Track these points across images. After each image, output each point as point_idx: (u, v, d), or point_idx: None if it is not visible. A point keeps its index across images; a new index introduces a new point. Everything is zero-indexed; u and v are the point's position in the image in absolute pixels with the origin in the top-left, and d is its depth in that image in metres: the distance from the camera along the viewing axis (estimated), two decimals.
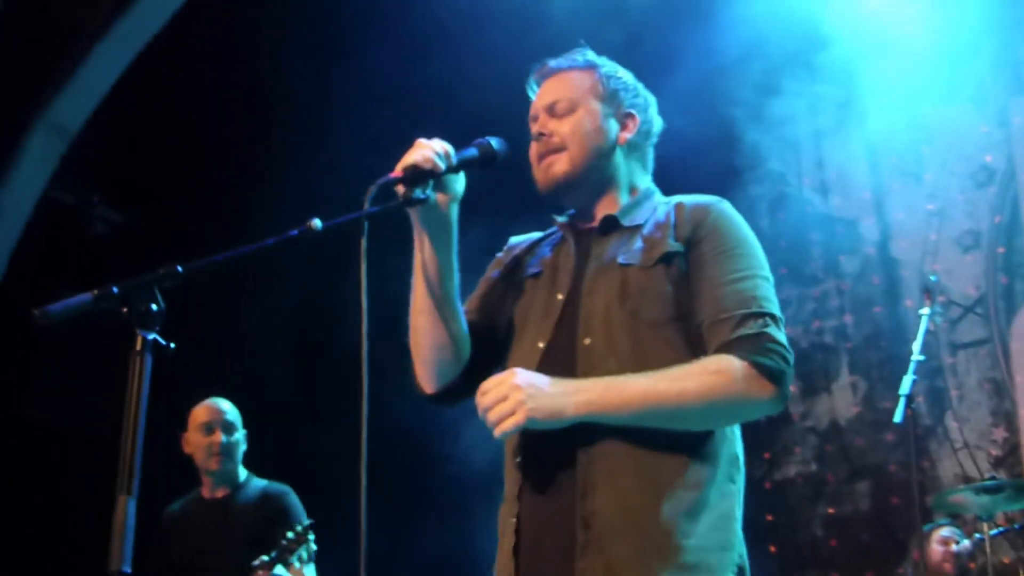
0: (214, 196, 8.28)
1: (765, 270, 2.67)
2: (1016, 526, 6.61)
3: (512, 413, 2.41)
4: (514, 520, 2.60)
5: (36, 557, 7.47)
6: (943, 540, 6.48)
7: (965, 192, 7.88)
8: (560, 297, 2.73)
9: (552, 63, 2.92)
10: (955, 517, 7.08)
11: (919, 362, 5.23)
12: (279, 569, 4.89)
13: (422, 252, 2.67)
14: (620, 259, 2.67)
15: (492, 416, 2.43)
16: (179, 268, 2.22)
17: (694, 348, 2.58)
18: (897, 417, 5.03)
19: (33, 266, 7.84)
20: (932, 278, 5.75)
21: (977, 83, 7.92)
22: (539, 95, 2.89)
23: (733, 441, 2.64)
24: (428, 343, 2.73)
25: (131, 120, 8.18)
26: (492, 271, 2.95)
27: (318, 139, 8.81)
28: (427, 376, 2.78)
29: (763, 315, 2.56)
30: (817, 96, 8.49)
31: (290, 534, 4.96)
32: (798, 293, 8.41)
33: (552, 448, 2.56)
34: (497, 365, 2.74)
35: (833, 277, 8.33)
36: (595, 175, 2.81)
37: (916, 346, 5.30)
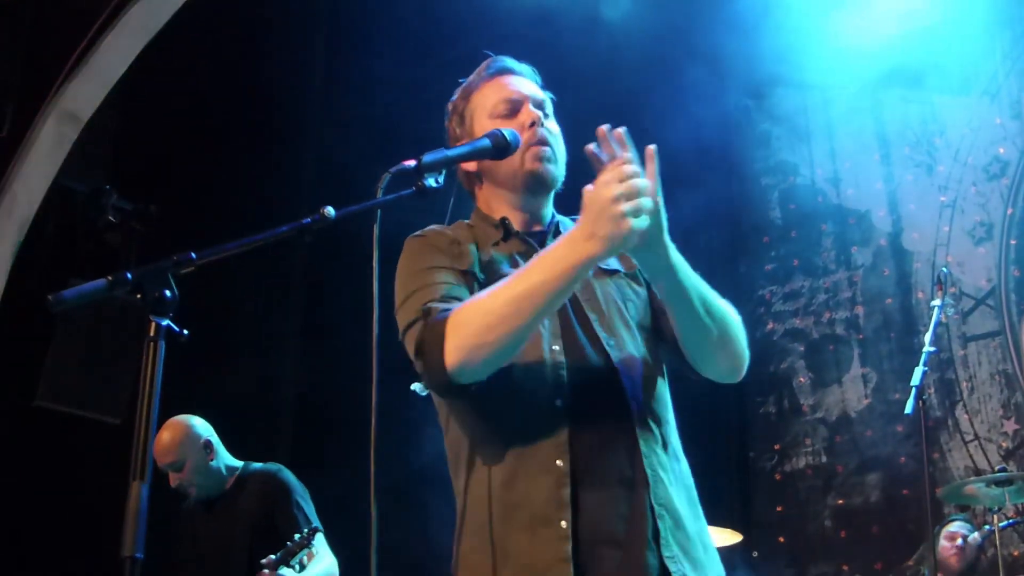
0: (226, 184, 8.28)
1: None
2: None
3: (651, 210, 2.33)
4: (568, 529, 2.47)
5: (50, 543, 7.48)
6: (951, 536, 6.48)
7: (978, 184, 7.86)
8: None
9: (525, 66, 2.90)
10: (965, 509, 7.08)
11: (930, 354, 5.22)
12: (284, 571, 4.90)
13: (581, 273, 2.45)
14: (602, 264, 2.60)
15: (634, 202, 2.28)
16: (193, 255, 2.22)
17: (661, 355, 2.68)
18: (908, 409, 5.01)
19: (44, 254, 7.85)
20: (944, 270, 5.72)
21: (991, 75, 7.90)
22: (521, 83, 2.84)
23: None
24: (517, 341, 2.47)
25: (143, 108, 8.19)
26: (443, 259, 2.68)
27: (331, 127, 8.82)
28: (484, 365, 2.46)
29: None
30: (830, 87, 8.48)
31: (296, 536, 4.97)
32: (809, 284, 8.40)
33: (609, 442, 2.53)
34: None
35: (845, 268, 8.32)
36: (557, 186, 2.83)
37: (927, 338, 5.29)
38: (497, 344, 2.40)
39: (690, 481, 2.63)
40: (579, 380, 2.53)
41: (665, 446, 2.58)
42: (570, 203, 2.74)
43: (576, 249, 2.34)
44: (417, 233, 2.75)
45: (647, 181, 2.33)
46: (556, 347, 2.58)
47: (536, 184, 2.76)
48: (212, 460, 5.37)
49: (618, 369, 2.55)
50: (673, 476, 2.56)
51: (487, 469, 2.56)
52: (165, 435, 5.28)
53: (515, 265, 2.66)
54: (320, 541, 5.11)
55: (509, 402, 2.54)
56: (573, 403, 2.52)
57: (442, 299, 2.54)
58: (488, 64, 2.88)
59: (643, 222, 2.29)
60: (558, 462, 2.49)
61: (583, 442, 2.53)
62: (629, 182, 2.29)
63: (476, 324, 2.40)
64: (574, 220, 2.66)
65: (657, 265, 2.46)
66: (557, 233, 2.74)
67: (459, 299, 2.53)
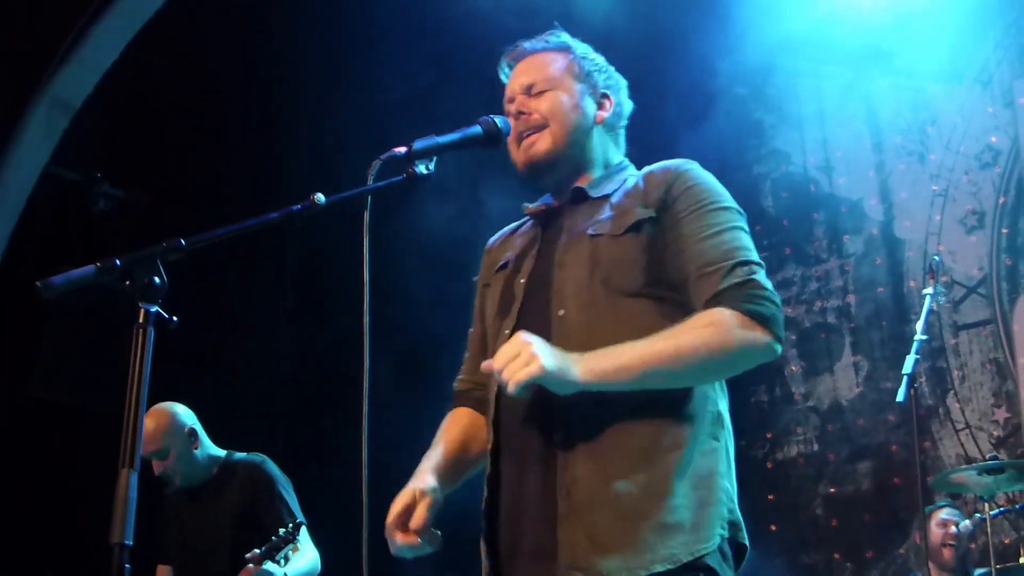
0: (217, 172, 8.27)
1: (741, 221, 2.68)
2: (1017, 507, 6.61)
3: (526, 365, 2.36)
4: (484, 508, 2.65)
5: (40, 531, 7.48)
6: (942, 523, 6.49)
7: (970, 173, 7.86)
8: (522, 281, 2.74)
9: (526, 45, 2.93)
10: (956, 497, 7.09)
11: (922, 342, 5.22)
12: (269, 565, 4.89)
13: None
14: (590, 230, 2.68)
15: (507, 372, 2.38)
16: (182, 241, 2.22)
17: (669, 315, 2.57)
18: (900, 397, 5.02)
19: (35, 243, 7.84)
20: (936, 258, 5.73)
21: (983, 64, 7.90)
22: (514, 76, 2.90)
23: (715, 400, 2.65)
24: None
25: (134, 96, 8.16)
26: (477, 297, 2.99)
27: (322, 115, 8.81)
28: None
29: (747, 263, 2.58)
30: (822, 75, 8.47)
31: (281, 531, 4.96)
32: (801, 272, 8.40)
33: (529, 425, 2.57)
34: None
35: (837, 257, 8.32)
36: (574, 153, 2.82)
37: (919, 326, 5.29)
38: None
39: (667, 453, 2.51)
40: None
41: (613, 415, 2.51)
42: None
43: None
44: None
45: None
46: (507, 331, 2.67)
47: (527, 172, 2.81)
48: (196, 448, 5.37)
49: (553, 342, 2.52)
50: (616, 448, 2.51)
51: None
52: (149, 422, 5.26)
53: (516, 253, 2.85)
54: (303, 535, 5.11)
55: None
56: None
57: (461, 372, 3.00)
58: (504, 58, 2.96)
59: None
60: (489, 442, 2.67)
61: (508, 419, 2.63)
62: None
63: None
64: (643, 173, 2.78)
65: (575, 389, 2.47)
66: (577, 200, 2.79)
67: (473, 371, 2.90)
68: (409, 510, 2.57)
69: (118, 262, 2.13)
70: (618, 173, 2.84)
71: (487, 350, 2.76)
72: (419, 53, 7.88)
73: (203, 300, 7.13)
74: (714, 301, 2.53)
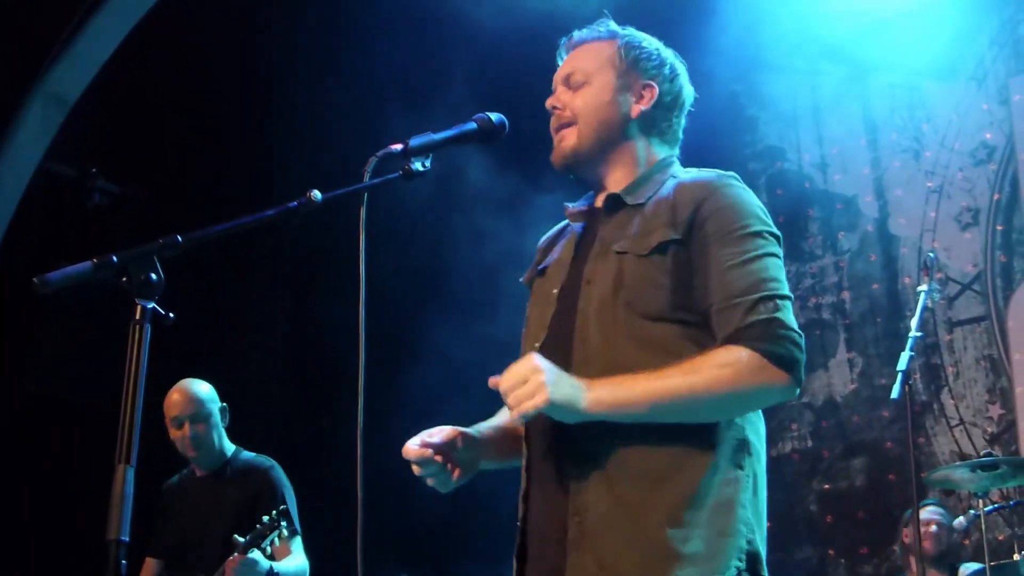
0: (213, 168, 8.26)
1: (773, 247, 2.58)
2: (1011, 503, 6.63)
3: (532, 396, 2.35)
4: (519, 523, 2.65)
5: (37, 527, 7.48)
6: (924, 522, 6.48)
7: (965, 169, 7.87)
8: (554, 292, 2.71)
9: (576, 34, 2.87)
10: (950, 494, 7.10)
11: (916, 339, 5.22)
12: (254, 553, 4.89)
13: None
14: (616, 247, 2.60)
15: (512, 399, 2.37)
16: (179, 238, 2.22)
17: (695, 339, 2.51)
18: (895, 393, 5.02)
19: (31, 238, 7.83)
20: (930, 255, 5.72)
21: (978, 61, 7.90)
22: (560, 67, 2.86)
23: (742, 427, 2.54)
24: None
25: (129, 91, 8.15)
26: (527, 280, 2.96)
27: (319, 111, 8.80)
28: None
29: (772, 298, 2.48)
30: (817, 72, 8.47)
31: (265, 518, 4.96)
32: (796, 269, 8.40)
33: (553, 445, 2.56)
34: None
35: (831, 253, 8.33)
36: (606, 149, 2.75)
37: (914, 323, 5.29)
38: None
39: (685, 480, 2.46)
40: None
41: (631, 441, 2.48)
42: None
43: None
44: None
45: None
46: (537, 344, 2.65)
47: (560, 168, 2.80)
48: (224, 427, 5.43)
49: (575, 362, 2.53)
50: (629, 475, 2.47)
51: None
52: (191, 385, 5.38)
53: (553, 257, 2.84)
54: (296, 543, 5.11)
55: None
56: None
57: None
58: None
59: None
60: (523, 459, 2.66)
61: (536, 437, 2.62)
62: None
63: None
64: (678, 181, 2.70)
65: (583, 418, 2.46)
66: (613, 207, 2.71)
67: None
68: (441, 436, 2.64)
69: (115, 258, 2.13)
70: (659, 173, 2.74)
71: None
72: (416, 49, 7.88)
73: (198, 296, 7.12)
74: (735, 338, 2.45)
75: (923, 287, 5.46)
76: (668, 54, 2.87)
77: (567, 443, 2.52)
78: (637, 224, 2.62)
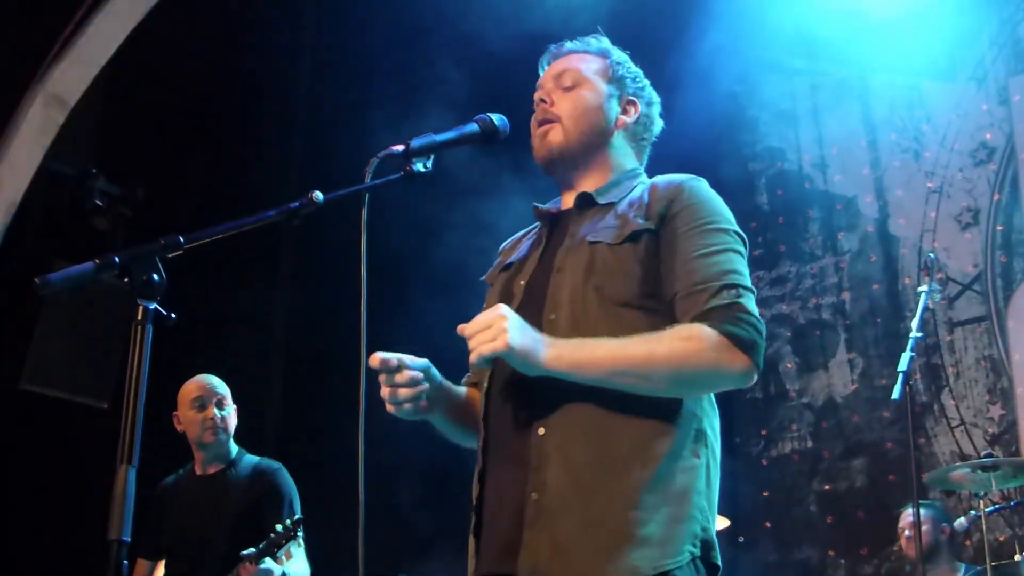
0: (213, 168, 8.27)
1: (738, 245, 2.67)
2: (1012, 504, 6.63)
3: (493, 340, 2.38)
4: (475, 502, 2.65)
5: (36, 526, 7.48)
6: (907, 525, 6.48)
7: (965, 170, 7.87)
8: (521, 283, 2.73)
9: (568, 44, 2.93)
10: (951, 495, 7.10)
11: (917, 339, 5.22)
12: (267, 562, 4.88)
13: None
14: (589, 237, 2.67)
15: (473, 341, 2.41)
16: (180, 238, 2.22)
17: (658, 328, 2.54)
18: (895, 394, 5.02)
19: (31, 238, 7.83)
20: (931, 255, 5.72)
21: (977, 61, 7.91)
22: (548, 70, 2.91)
23: (700, 418, 2.60)
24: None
25: (130, 91, 8.16)
26: (488, 282, 2.96)
27: (319, 112, 8.80)
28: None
29: (735, 287, 2.56)
30: (817, 72, 8.48)
31: (279, 527, 4.94)
32: (796, 269, 8.41)
33: (513, 421, 2.58)
34: None
35: (831, 254, 8.33)
36: (589, 152, 2.81)
37: (914, 323, 5.29)
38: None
39: (640, 465, 2.48)
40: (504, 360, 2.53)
41: (593, 423, 2.51)
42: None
43: None
44: None
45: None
46: None
47: (541, 162, 2.83)
48: (232, 425, 5.44)
49: None
50: (589, 457, 2.49)
51: None
52: (214, 377, 5.46)
53: (520, 255, 2.85)
54: (298, 548, 5.10)
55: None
56: (494, 382, 2.65)
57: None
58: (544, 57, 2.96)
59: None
60: (479, 440, 2.68)
61: (494, 419, 2.65)
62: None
63: None
64: (650, 184, 2.77)
65: (540, 371, 2.48)
66: (584, 205, 2.78)
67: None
68: (417, 364, 2.64)
69: (117, 259, 2.13)
70: (629, 180, 2.82)
71: None
72: (416, 51, 7.88)
73: (197, 294, 7.12)
74: (697, 319, 2.51)
75: (923, 287, 5.46)
76: (648, 83, 2.98)
77: (527, 420, 2.55)
78: (610, 219, 2.70)
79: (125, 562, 2.01)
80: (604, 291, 2.58)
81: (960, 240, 7.79)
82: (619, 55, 2.94)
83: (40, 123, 7.21)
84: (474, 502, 2.66)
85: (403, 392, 2.58)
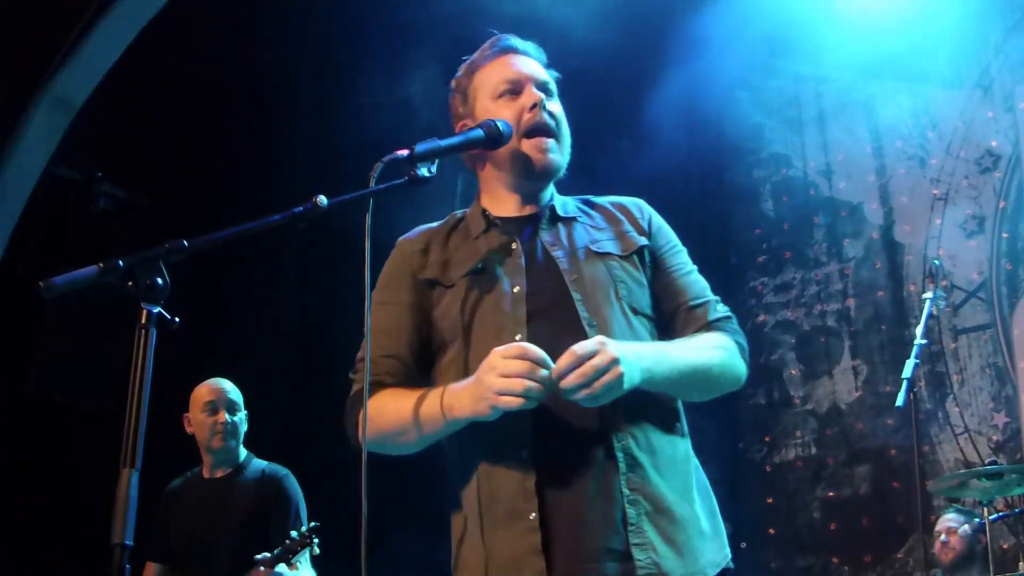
0: (218, 172, 8.27)
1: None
2: (1016, 511, 6.62)
3: (614, 385, 2.38)
4: (533, 516, 2.50)
5: (39, 530, 7.48)
6: (940, 531, 6.49)
7: (970, 177, 7.87)
8: (516, 289, 2.66)
9: (529, 45, 2.88)
10: (955, 502, 7.09)
11: (921, 346, 5.22)
12: (281, 568, 4.88)
13: (453, 413, 2.52)
14: (593, 247, 2.71)
15: (595, 388, 2.36)
16: (185, 243, 2.22)
17: (655, 336, 2.70)
18: (899, 401, 5.01)
19: (36, 242, 7.84)
20: (935, 263, 5.73)
21: (984, 68, 7.91)
22: (523, 63, 2.83)
23: (685, 422, 2.74)
24: (405, 448, 2.68)
25: (135, 96, 8.17)
26: (400, 293, 2.78)
27: (324, 116, 8.80)
28: (385, 451, 2.69)
29: (719, 300, 2.79)
30: (823, 79, 8.48)
31: (294, 534, 4.94)
32: (801, 276, 8.41)
33: (578, 432, 2.53)
34: (435, 374, 2.71)
35: (836, 261, 8.33)
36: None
37: (919, 330, 5.28)
38: (389, 446, 2.65)
39: (688, 466, 2.65)
40: None
41: (653, 428, 2.58)
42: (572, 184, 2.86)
43: (462, 404, 2.47)
44: (398, 240, 2.87)
45: (536, 383, 2.37)
46: (519, 336, 2.58)
47: (537, 173, 2.77)
48: (242, 430, 5.45)
49: None
50: (662, 460, 2.56)
51: (474, 466, 2.61)
52: (226, 381, 5.48)
53: (489, 258, 2.73)
54: (305, 556, 5.08)
55: None
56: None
57: (358, 368, 2.69)
58: (493, 42, 2.87)
59: (530, 404, 2.38)
60: (522, 452, 2.54)
61: (548, 430, 2.54)
62: (510, 381, 2.36)
63: (376, 425, 2.57)
64: (581, 201, 2.86)
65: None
66: (553, 218, 2.78)
67: (390, 356, 2.68)
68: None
69: (121, 263, 2.13)
70: (556, 195, 2.85)
71: (434, 347, 2.72)
72: (420, 55, 7.88)
73: (201, 298, 7.13)
74: (713, 328, 2.71)
75: (928, 294, 5.45)
76: None
77: (596, 429, 2.53)
78: (589, 231, 2.77)
79: (128, 566, 2.01)
80: (626, 300, 2.66)
81: (965, 247, 7.79)
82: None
83: (45, 127, 7.22)
84: (532, 516, 2.50)
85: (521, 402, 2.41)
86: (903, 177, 8.16)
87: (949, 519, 6.53)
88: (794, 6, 7.69)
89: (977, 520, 6.15)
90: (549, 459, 2.54)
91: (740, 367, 2.70)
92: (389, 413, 2.60)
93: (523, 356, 2.38)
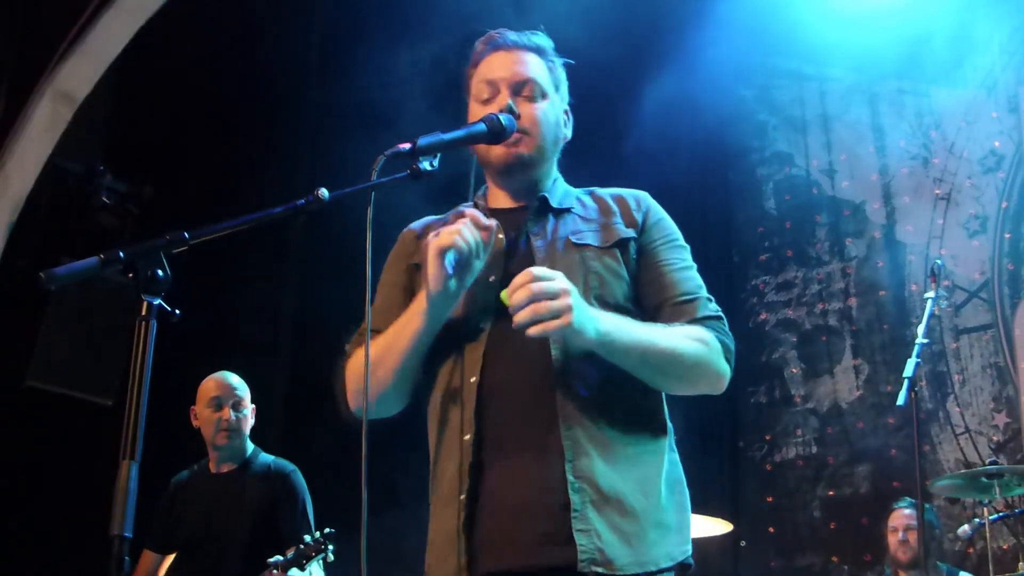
0: (221, 165, 8.26)
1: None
2: (1016, 512, 6.61)
3: (560, 315, 2.36)
4: (463, 496, 2.55)
5: (40, 523, 7.48)
6: (900, 527, 6.45)
7: (973, 177, 7.87)
8: (492, 279, 2.67)
9: (511, 37, 2.86)
10: (955, 502, 7.09)
11: (923, 346, 5.21)
12: (294, 572, 4.88)
13: (430, 316, 2.58)
14: (573, 239, 2.71)
15: (539, 309, 2.36)
16: (186, 235, 2.21)
17: None
18: (901, 400, 5.00)
19: (37, 234, 7.83)
20: (938, 262, 5.70)
21: (988, 68, 7.90)
22: (498, 65, 2.82)
23: (667, 419, 2.72)
24: (407, 377, 2.69)
25: (138, 88, 8.16)
26: (395, 275, 2.87)
27: (327, 109, 8.80)
28: (393, 402, 2.74)
29: (712, 300, 2.72)
30: (826, 78, 8.48)
31: (308, 539, 4.93)
32: (803, 275, 8.41)
33: (528, 415, 2.56)
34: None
35: (838, 260, 8.33)
36: (546, 165, 2.82)
37: (920, 330, 5.27)
38: (379, 385, 2.61)
39: (655, 459, 2.61)
40: (497, 353, 2.58)
41: (612, 420, 2.56)
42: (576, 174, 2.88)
43: (419, 300, 2.57)
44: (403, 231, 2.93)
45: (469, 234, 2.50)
46: (484, 325, 2.63)
47: (505, 169, 2.78)
48: (249, 424, 5.44)
49: (549, 341, 2.54)
50: (615, 452, 2.54)
51: (436, 451, 2.69)
52: (234, 375, 5.45)
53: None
54: (316, 563, 5.08)
55: (436, 381, 2.69)
56: (488, 376, 2.58)
57: (359, 335, 2.71)
58: (484, 40, 2.88)
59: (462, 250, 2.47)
60: (466, 436, 2.59)
61: (494, 415, 2.58)
62: (446, 236, 2.47)
63: (357, 370, 2.60)
64: (586, 192, 2.86)
65: (584, 346, 2.49)
66: (543, 209, 2.78)
67: (378, 331, 2.68)
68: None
69: (122, 254, 2.13)
70: (560, 186, 2.86)
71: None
72: (424, 47, 7.88)
73: (203, 290, 7.13)
74: (699, 324, 2.65)
75: (930, 294, 5.44)
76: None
77: (546, 414, 2.54)
78: (578, 222, 2.77)
79: (127, 558, 2.01)
80: (599, 291, 2.63)
81: (967, 247, 7.79)
82: (555, 56, 2.90)
83: (48, 119, 7.22)
84: (463, 496, 2.56)
85: (474, 235, 2.52)
86: (906, 177, 8.16)
87: (907, 514, 6.46)
88: (799, 5, 7.69)
89: (977, 521, 6.14)
90: (492, 444, 2.58)
91: (721, 366, 2.63)
92: (371, 352, 2.58)
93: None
